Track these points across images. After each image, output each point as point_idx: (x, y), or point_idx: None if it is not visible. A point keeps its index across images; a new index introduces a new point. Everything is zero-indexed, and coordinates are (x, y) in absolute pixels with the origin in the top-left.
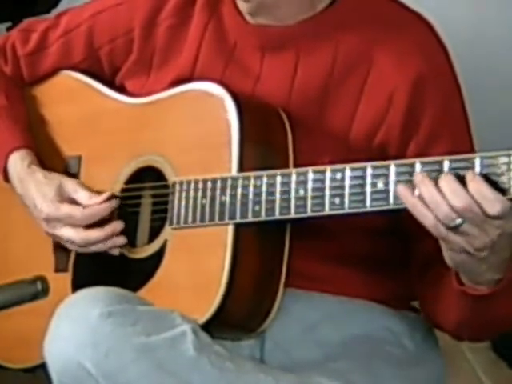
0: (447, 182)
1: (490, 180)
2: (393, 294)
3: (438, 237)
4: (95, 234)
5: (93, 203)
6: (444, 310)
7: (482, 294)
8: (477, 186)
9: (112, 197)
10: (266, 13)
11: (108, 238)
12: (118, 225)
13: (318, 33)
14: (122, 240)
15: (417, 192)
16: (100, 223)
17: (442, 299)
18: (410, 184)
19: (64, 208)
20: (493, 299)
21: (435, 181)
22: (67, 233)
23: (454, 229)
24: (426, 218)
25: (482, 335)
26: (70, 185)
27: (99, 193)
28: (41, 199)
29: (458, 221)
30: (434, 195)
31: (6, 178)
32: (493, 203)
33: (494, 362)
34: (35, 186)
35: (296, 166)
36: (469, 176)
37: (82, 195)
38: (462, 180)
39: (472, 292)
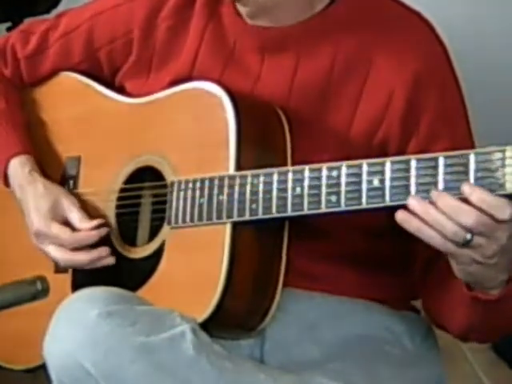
0: (446, 202)
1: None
2: (393, 294)
3: (447, 253)
4: (80, 257)
5: (83, 228)
6: (451, 313)
7: (494, 298)
8: (480, 196)
9: (102, 225)
10: (265, 15)
11: (93, 262)
12: (104, 251)
13: (317, 33)
14: (110, 260)
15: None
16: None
17: (448, 302)
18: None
19: (54, 227)
20: (503, 301)
21: (430, 202)
22: (53, 251)
23: (465, 244)
24: (433, 239)
25: (490, 337)
26: (65, 202)
27: (92, 207)
28: (35, 212)
29: (468, 236)
30: (436, 217)
31: (7, 183)
32: (502, 208)
33: (494, 362)
34: (32, 197)
35: (295, 165)
36: (467, 190)
37: (74, 216)
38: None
39: (484, 297)
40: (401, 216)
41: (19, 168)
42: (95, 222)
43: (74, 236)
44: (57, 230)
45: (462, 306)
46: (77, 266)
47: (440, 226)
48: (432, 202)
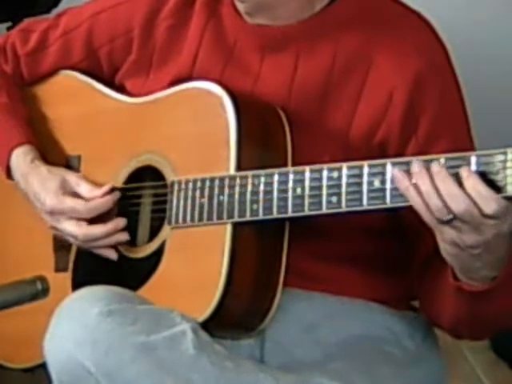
0: (443, 182)
1: (486, 178)
2: (393, 294)
3: (429, 224)
4: (97, 229)
5: (94, 196)
6: (442, 308)
7: (477, 290)
8: (473, 183)
9: (113, 189)
10: (264, 13)
11: (110, 235)
12: (120, 221)
13: (317, 32)
14: (124, 236)
15: (413, 180)
16: (103, 219)
17: (440, 297)
18: (408, 173)
19: (67, 201)
20: (489, 296)
21: (431, 173)
22: (70, 227)
23: (447, 223)
24: (418, 205)
25: (480, 333)
26: (72, 178)
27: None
28: (44, 193)
29: (450, 216)
30: (429, 190)
31: (9, 174)
32: (489, 202)
33: (494, 362)
34: (39, 181)
35: (296, 164)
36: (464, 173)
37: (83, 188)
38: (457, 177)
39: (468, 288)
40: (396, 173)
41: (21, 157)
42: (105, 188)
43: (90, 204)
44: (72, 202)
45: (449, 297)
46: (95, 239)
47: (428, 197)
48: (432, 173)
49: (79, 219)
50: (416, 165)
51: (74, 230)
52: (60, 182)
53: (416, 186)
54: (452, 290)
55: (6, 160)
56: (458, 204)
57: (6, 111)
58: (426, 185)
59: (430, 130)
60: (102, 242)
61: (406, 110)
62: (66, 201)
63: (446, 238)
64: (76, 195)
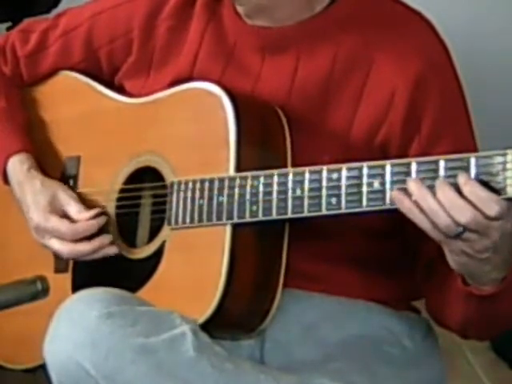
0: (446, 194)
1: (482, 182)
2: (392, 295)
3: (437, 240)
4: (82, 247)
5: (81, 218)
6: (450, 310)
7: (487, 293)
8: (471, 188)
9: (100, 214)
10: (263, 15)
11: (96, 251)
12: (106, 238)
13: (317, 33)
14: (113, 250)
15: (413, 198)
16: (90, 235)
17: (448, 299)
18: (406, 191)
19: (53, 220)
20: (498, 298)
21: (431, 189)
22: (55, 244)
23: (456, 237)
24: (423, 224)
25: (488, 333)
26: (63, 196)
27: (91, 207)
28: (34, 207)
29: (460, 229)
30: (432, 206)
31: (6, 181)
32: (490, 204)
33: (494, 361)
34: (31, 193)
35: (296, 165)
36: (461, 179)
37: (72, 208)
38: (456, 186)
39: (478, 292)
40: (395, 194)
41: (18, 165)
42: (93, 212)
43: (73, 227)
44: (55, 222)
45: (459, 302)
46: (80, 256)
47: (435, 215)
48: (431, 189)
49: (63, 239)
50: (413, 183)
51: (59, 247)
52: (50, 198)
53: (417, 204)
54: (461, 294)
55: (2, 167)
56: (463, 214)
57: (3, 117)
58: (429, 201)
59: (432, 130)
60: (88, 257)
61: (407, 111)
62: (51, 220)
63: (454, 249)
64: (64, 214)
